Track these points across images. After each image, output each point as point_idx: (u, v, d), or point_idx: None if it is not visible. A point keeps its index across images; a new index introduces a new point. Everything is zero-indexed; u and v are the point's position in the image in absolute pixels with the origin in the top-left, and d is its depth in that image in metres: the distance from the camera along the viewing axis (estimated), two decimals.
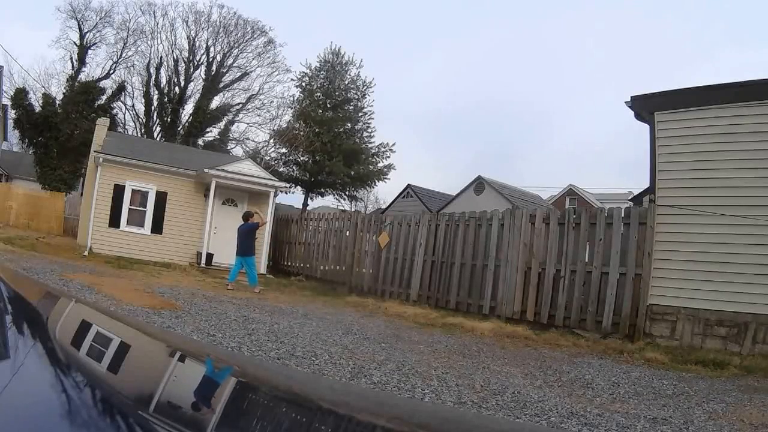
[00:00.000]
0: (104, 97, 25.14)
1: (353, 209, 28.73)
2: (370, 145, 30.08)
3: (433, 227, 9.90)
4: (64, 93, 24.88)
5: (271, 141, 28.98)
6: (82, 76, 26.58)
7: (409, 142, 67.50)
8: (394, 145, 30.14)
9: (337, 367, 4.40)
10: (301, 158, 28.42)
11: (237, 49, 29.50)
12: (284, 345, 5.06)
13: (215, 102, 29.40)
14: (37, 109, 23.51)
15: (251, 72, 29.91)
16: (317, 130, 27.11)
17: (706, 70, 68.55)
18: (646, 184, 8.87)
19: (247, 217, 10.49)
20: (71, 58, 27.09)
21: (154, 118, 28.54)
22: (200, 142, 27.36)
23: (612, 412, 3.80)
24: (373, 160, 30.11)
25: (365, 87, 29.74)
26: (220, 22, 28.99)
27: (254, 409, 0.79)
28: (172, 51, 28.96)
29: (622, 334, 6.94)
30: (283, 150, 28.46)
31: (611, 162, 67.67)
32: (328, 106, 28.95)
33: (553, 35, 79.95)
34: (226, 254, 13.02)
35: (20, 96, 23.20)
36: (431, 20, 74.26)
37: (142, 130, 28.14)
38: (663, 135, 7.11)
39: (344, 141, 28.25)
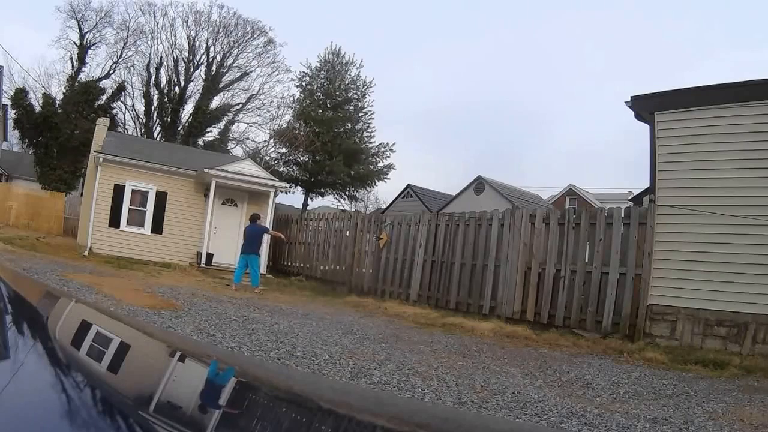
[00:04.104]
0: (104, 97, 25.16)
1: (353, 209, 28.74)
2: (370, 145, 30.10)
3: (433, 227, 9.90)
4: (64, 93, 24.91)
5: (271, 141, 29.05)
6: (82, 76, 26.64)
7: (409, 142, 67.34)
8: (394, 144, 30.22)
9: (337, 367, 4.40)
10: (301, 158, 28.44)
11: (237, 49, 29.59)
12: (284, 345, 5.06)
13: (215, 102, 29.49)
14: (37, 109, 23.52)
15: (251, 72, 30.01)
16: (317, 130, 27.12)
17: (706, 70, 68.41)
18: (646, 184, 8.88)
19: (254, 218, 10.54)
20: (71, 58, 27.16)
21: (154, 118, 28.57)
22: (200, 142, 27.39)
23: (612, 412, 3.80)
24: (373, 160, 30.15)
25: (365, 87, 29.80)
26: (220, 22, 29.08)
27: (254, 409, 0.79)
28: (172, 51, 29.05)
29: (622, 334, 6.94)
30: (283, 150, 28.50)
31: (611, 162, 67.55)
32: (328, 106, 28.96)
33: (553, 35, 79.99)
34: (226, 254, 13.04)
35: (20, 96, 23.21)
36: (432, 20, 74.33)
37: (142, 130, 28.17)
38: (663, 135, 7.10)
39: (344, 141, 28.25)
